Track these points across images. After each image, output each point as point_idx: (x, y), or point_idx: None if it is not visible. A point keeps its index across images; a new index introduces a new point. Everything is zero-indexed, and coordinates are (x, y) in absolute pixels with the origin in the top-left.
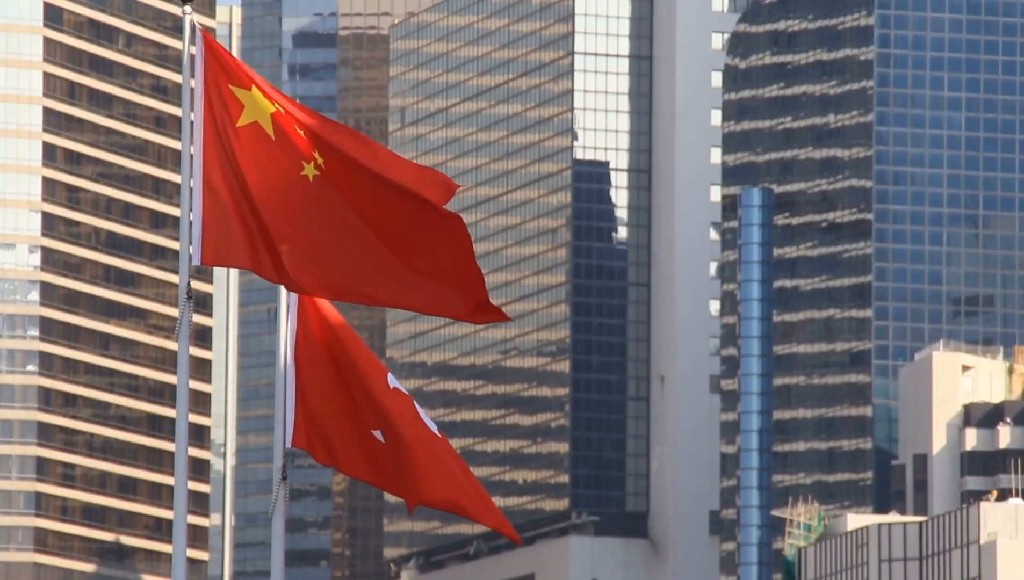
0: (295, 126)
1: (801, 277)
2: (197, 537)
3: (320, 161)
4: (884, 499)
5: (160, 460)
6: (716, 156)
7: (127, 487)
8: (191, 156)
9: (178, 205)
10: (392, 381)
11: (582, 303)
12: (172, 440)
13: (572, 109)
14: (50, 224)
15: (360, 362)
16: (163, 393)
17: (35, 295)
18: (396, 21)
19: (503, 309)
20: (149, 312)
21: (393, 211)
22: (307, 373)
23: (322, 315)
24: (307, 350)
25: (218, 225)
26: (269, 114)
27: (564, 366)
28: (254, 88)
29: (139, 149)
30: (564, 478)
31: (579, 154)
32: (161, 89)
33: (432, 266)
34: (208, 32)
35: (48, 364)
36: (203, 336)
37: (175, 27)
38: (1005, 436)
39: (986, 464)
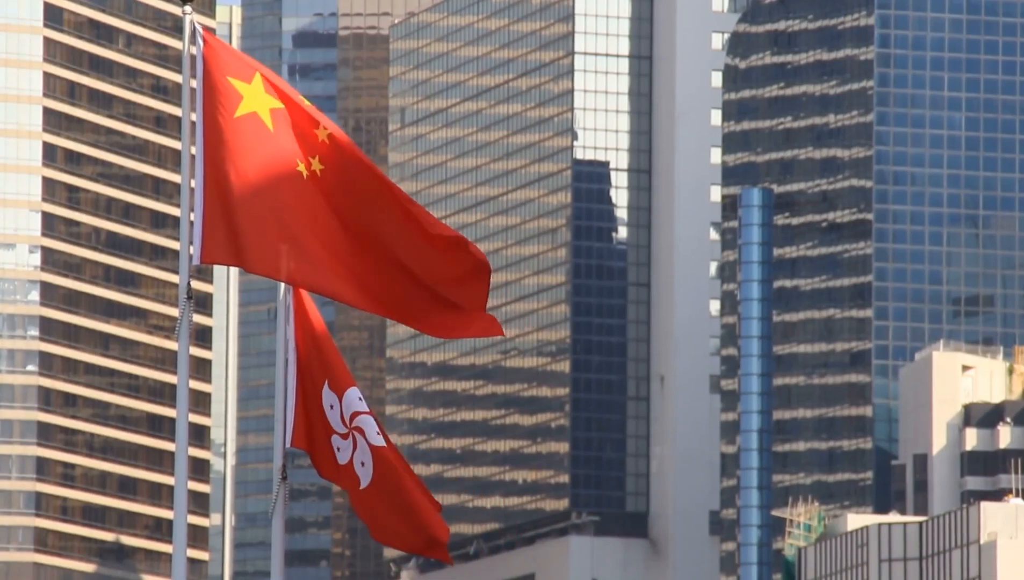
0: (304, 126)
1: (801, 277)
2: (197, 537)
3: (317, 168)
4: (884, 499)
5: (160, 460)
6: (716, 156)
7: (127, 487)
8: (191, 156)
9: (178, 205)
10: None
11: (582, 303)
12: (172, 440)
13: (572, 109)
14: (50, 224)
15: (334, 371)
16: (163, 393)
17: (35, 295)
18: (396, 21)
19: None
20: (149, 312)
21: (386, 228)
22: (304, 372)
23: (312, 317)
24: (302, 349)
25: (218, 224)
26: (269, 109)
27: (564, 366)
28: (255, 81)
29: (139, 149)
30: (564, 478)
31: (579, 154)
32: (161, 89)
33: (422, 284)
34: (208, 30)
35: (48, 364)
36: (203, 336)
37: (175, 27)
38: (1005, 436)
39: (986, 464)
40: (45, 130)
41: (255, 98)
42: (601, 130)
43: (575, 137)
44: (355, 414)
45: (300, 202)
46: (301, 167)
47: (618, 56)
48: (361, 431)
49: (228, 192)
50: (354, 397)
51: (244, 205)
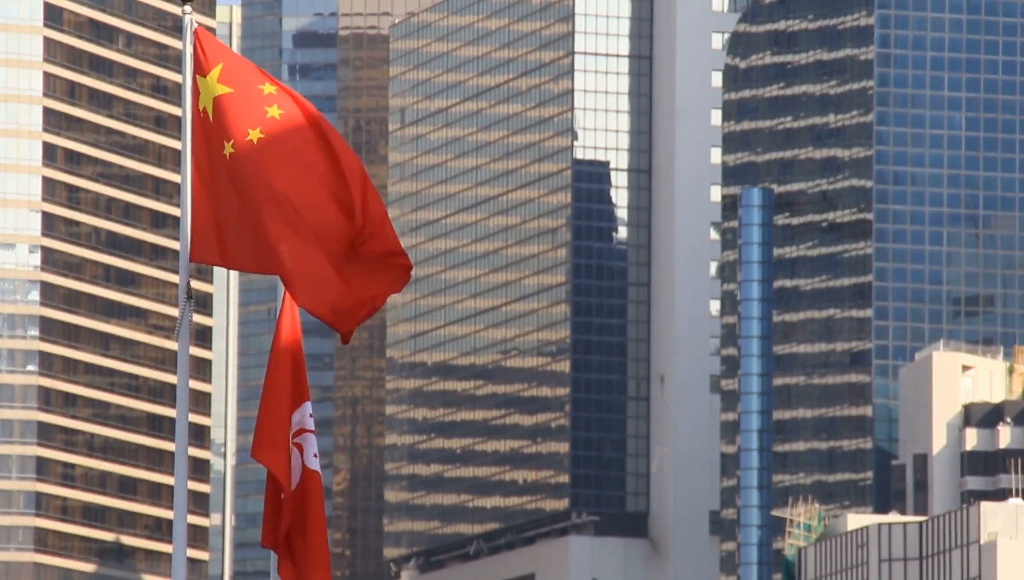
0: (253, 106)
1: (801, 277)
2: (197, 537)
3: (255, 137)
4: (884, 499)
5: (160, 460)
6: (716, 156)
7: (127, 487)
8: (191, 156)
9: (178, 205)
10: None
11: (582, 303)
12: (172, 440)
13: (572, 109)
14: (50, 224)
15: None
16: (163, 393)
17: (35, 295)
18: (396, 21)
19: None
20: (149, 312)
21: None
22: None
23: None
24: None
25: (207, 222)
26: (213, 97)
27: (564, 366)
28: (212, 73)
29: (139, 149)
30: (564, 478)
31: (579, 154)
32: (161, 89)
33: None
34: (201, 28)
35: (48, 364)
36: (203, 336)
37: (175, 27)
38: (1005, 436)
39: (986, 464)
40: (45, 130)
41: (206, 92)
42: (601, 130)
43: (575, 137)
44: (301, 430)
45: (230, 184)
46: (227, 149)
47: (618, 56)
48: (300, 448)
49: (205, 190)
50: (306, 412)
51: (219, 202)
